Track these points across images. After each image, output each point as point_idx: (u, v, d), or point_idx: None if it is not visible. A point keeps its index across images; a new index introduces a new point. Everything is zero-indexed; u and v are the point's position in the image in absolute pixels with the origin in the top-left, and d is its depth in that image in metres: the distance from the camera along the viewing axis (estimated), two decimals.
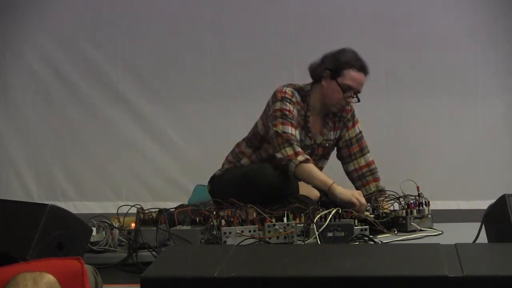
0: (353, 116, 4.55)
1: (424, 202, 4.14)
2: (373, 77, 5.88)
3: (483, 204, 3.54)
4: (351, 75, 4.34)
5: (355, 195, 4.12)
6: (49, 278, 2.32)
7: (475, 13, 5.85)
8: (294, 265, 2.55)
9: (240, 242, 3.64)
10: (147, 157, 6.06)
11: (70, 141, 6.10)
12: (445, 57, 5.89)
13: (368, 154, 4.55)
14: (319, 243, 3.65)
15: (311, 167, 4.25)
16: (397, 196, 4.17)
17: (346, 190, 4.18)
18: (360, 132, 4.55)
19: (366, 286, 2.32)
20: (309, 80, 4.44)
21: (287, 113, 4.32)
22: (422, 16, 5.89)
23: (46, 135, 6.09)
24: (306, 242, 3.73)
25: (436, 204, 4.69)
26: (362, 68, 4.36)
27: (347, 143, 4.54)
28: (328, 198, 4.35)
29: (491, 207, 3.34)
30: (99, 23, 6.02)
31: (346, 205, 4.04)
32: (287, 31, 5.88)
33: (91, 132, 6.08)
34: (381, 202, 4.21)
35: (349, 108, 4.52)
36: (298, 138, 4.33)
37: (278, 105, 4.35)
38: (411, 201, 4.12)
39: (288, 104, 4.34)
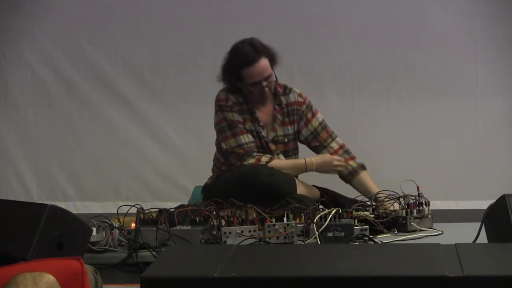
0: (309, 107, 4.56)
1: (424, 202, 4.14)
2: (373, 77, 5.94)
3: (483, 204, 3.54)
4: (248, 74, 4.36)
5: (331, 161, 4.40)
6: (49, 278, 2.32)
7: (475, 13, 5.85)
8: (294, 265, 2.55)
9: (240, 242, 3.65)
10: (147, 157, 6.06)
11: (70, 141, 6.09)
12: (445, 57, 5.89)
13: (338, 138, 4.57)
14: (319, 243, 3.66)
15: (276, 162, 4.36)
16: (397, 196, 4.17)
17: (320, 160, 4.43)
18: (323, 120, 4.58)
19: (366, 286, 2.32)
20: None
21: (230, 122, 4.38)
22: (422, 16, 5.89)
23: (46, 135, 6.09)
24: (306, 242, 3.73)
25: (436, 204, 4.69)
26: (254, 58, 4.35)
27: (314, 134, 4.55)
28: (328, 197, 4.37)
29: (491, 207, 3.34)
30: (99, 23, 6.02)
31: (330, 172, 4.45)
32: (287, 31, 5.88)
33: (91, 132, 6.07)
34: (381, 202, 4.21)
35: (302, 101, 4.54)
36: (252, 139, 4.37)
37: (219, 115, 4.44)
38: (411, 201, 4.12)
39: (226, 113, 4.39)
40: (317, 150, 4.56)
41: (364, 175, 4.50)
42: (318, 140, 4.54)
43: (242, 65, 4.34)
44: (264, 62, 4.36)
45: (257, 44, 4.38)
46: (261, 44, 4.39)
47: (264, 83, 4.37)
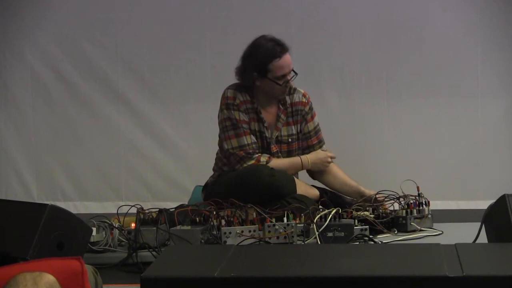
0: (311, 108, 4.60)
1: (424, 202, 4.15)
2: (373, 77, 5.94)
3: (483, 204, 3.54)
4: (276, 66, 4.38)
5: (326, 158, 4.47)
6: (49, 278, 2.32)
7: (475, 13, 5.84)
8: (294, 265, 2.55)
9: (240, 242, 3.65)
10: (147, 157, 6.05)
11: (70, 141, 6.09)
12: (445, 57, 5.88)
13: (324, 145, 4.61)
14: (319, 243, 3.66)
15: (275, 161, 4.38)
16: (397, 196, 4.17)
17: (315, 158, 4.49)
18: (318, 124, 4.61)
19: (366, 286, 2.32)
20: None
21: (235, 121, 4.37)
22: (422, 16, 5.88)
23: (46, 135, 6.09)
24: (306, 242, 3.73)
25: (436, 204, 4.69)
26: (281, 51, 4.40)
27: (306, 136, 4.59)
28: (328, 197, 4.37)
29: (491, 207, 3.34)
30: (99, 23, 6.01)
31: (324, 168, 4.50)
32: (287, 31, 5.87)
33: (91, 132, 6.07)
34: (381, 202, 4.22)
35: (306, 101, 4.56)
36: (254, 140, 4.39)
37: (224, 113, 4.44)
38: (411, 201, 4.12)
39: (233, 111, 4.39)
40: (303, 152, 4.58)
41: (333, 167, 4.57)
42: (307, 143, 4.58)
43: (271, 58, 4.37)
44: (288, 55, 4.42)
45: (277, 39, 4.43)
46: (279, 39, 4.43)
47: (289, 77, 4.40)
